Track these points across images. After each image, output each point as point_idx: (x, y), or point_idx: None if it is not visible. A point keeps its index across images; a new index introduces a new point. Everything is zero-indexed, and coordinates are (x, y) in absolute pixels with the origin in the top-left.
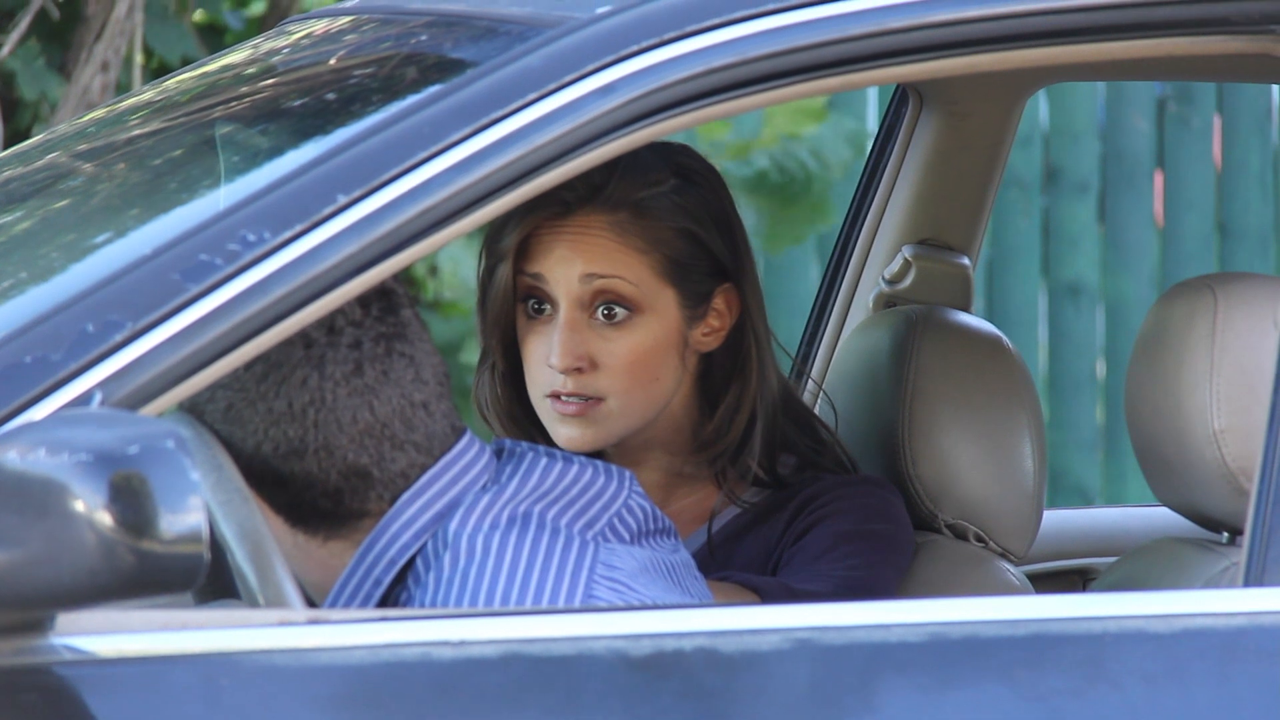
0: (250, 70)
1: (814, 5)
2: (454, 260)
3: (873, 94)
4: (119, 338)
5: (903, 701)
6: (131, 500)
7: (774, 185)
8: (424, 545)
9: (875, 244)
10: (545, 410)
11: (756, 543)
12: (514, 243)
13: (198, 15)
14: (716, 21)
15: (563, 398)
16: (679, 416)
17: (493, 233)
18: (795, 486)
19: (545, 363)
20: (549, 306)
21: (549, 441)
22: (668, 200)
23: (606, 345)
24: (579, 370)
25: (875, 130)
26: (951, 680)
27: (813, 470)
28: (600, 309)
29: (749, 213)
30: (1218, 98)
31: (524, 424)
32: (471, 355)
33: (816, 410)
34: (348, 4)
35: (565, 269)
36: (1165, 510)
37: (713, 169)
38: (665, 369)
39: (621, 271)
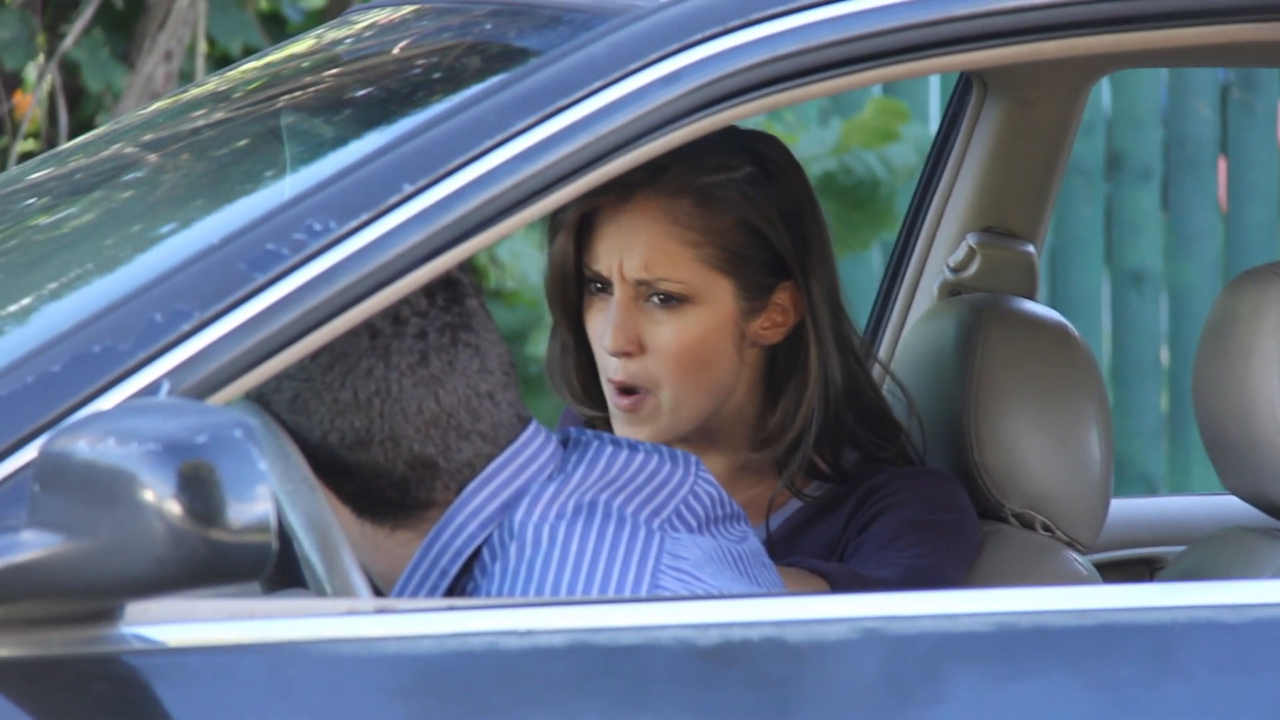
0: (314, 59)
1: None
2: (514, 254)
3: (937, 97)
4: (187, 327)
5: (971, 691)
6: (200, 489)
7: (840, 189)
8: (490, 535)
9: (940, 232)
10: (609, 394)
11: (819, 536)
12: (573, 218)
13: (261, 3)
14: (781, 9)
15: (618, 390)
16: (743, 409)
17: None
18: (857, 479)
19: (601, 341)
20: (609, 286)
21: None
22: (735, 190)
23: (657, 329)
24: (629, 354)
25: (931, 113)
26: (1019, 670)
27: (874, 463)
28: (655, 294)
29: None
30: None
31: (593, 394)
32: (536, 345)
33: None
34: None
35: (617, 261)
36: (1233, 499)
37: (794, 161)
38: (717, 358)
39: (669, 273)
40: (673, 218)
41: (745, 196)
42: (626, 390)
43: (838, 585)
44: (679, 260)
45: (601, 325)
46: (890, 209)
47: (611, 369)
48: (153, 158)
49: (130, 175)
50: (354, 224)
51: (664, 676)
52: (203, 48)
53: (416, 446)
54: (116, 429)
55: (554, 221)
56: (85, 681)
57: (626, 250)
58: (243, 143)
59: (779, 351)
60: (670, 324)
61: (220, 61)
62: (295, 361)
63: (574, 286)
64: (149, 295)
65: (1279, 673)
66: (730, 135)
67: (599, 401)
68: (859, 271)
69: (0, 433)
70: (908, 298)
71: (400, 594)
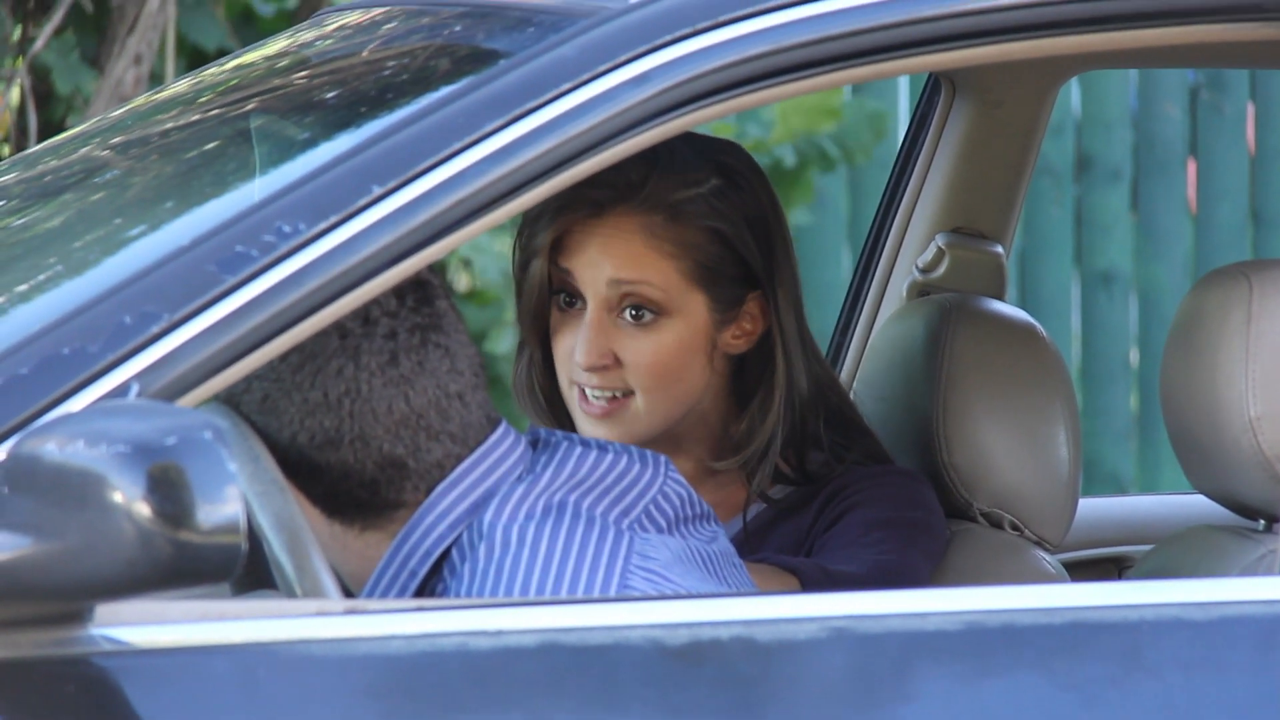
0: (285, 62)
1: None
2: (476, 248)
3: (906, 98)
4: (156, 329)
5: (939, 690)
6: (169, 491)
7: (783, 173)
8: (459, 536)
9: (909, 232)
10: (572, 402)
11: (785, 535)
12: (548, 240)
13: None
14: (750, 10)
15: (589, 395)
16: (709, 414)
17: (526, 226)
18: (823, 479)
19: (572, 356)
20: (580, 301)
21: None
22: (705, 204)
23: (632, 344)
24: (604, 368)
25: (900, 113)
26: (988, 669)
27: (840, 464)
28: (628, 309)
29: None
30: (1251, 84)
31: (560, 412)
32: (499, 343)
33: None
34: None
35: (594, 271)
36: (1200, 498)
37: (757, 169)
38: (690, 370)
39: (649, 276)
40: (649, 231)
41: (715, 210)
42: (598, 392)
43: (806, 580)
44: (659, 269)
45: (571, 339)
46: (805, 181)
47: (584, 379)
48: (123, 160)
49: (100, 177)
50: (323, 226)
51: (633, 676)
52: (172, 51)
53: (386, 447)
54: (86, 431)
55: (527, 244)
56: (55, 683)
57: (605, 259)
58: (213, 145)
59: (747, 359)
60: (644, 340)
61: (191, 64)
62: (265, 363)
63: (547, 306)
64: (118, 297)
65: (1246, 670)
66: (695, 145)
67: (565, 418)
68: (827, 270)
69: None
70: (876, 298)
71: (370, 595)
